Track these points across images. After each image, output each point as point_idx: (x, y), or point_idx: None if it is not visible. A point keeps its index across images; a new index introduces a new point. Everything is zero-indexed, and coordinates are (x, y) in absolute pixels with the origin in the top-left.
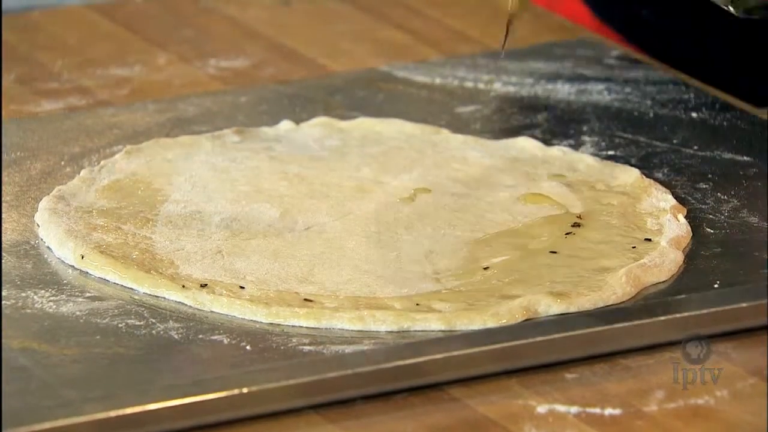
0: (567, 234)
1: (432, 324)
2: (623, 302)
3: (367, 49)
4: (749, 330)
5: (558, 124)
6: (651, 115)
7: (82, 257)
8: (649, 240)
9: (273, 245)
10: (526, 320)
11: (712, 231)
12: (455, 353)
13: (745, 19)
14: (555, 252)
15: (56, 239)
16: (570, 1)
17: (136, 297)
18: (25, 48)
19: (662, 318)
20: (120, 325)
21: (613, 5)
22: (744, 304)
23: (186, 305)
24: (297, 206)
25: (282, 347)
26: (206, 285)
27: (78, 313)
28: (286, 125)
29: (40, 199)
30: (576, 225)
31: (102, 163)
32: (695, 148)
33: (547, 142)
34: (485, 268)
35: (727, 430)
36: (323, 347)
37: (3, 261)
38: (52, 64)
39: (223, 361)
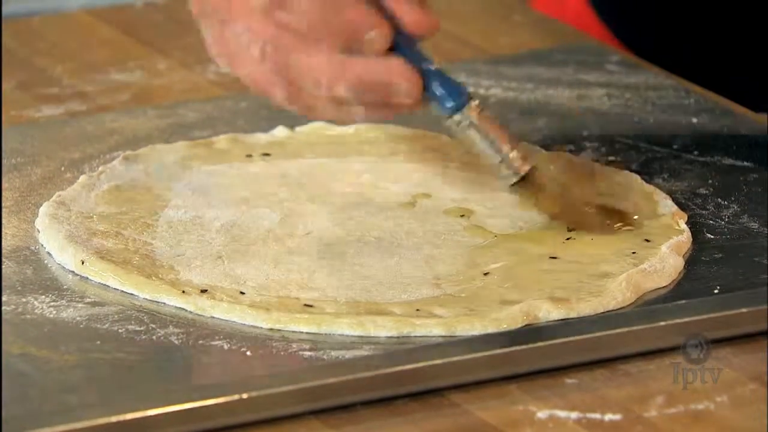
0: (567, 239)
1: (432, 329)
2: (623, 308)
3: None
4: (749, 335)
5: (558, 130)
6: (651, 120)
7: (83, 263)
8: (650, 245)
9: (273, 251)
10: (527, 326)
11: (712, 236)
12: (455, 359)
13: (743, 22)
14: (555, 257)
15: (56, 245)
16: (572, 4)
17: (137, 302)
18: (25, 53)
19: (662, 323)
20: (120, 331)
21: (615, 8)
22: (744, 310)
23: (186, 311)
24: (297, 212)
25: (282, 353)
26: (206, 290)
27: (78, 318)
28: (281, 131)
29: (41, 205)
30: (573, 229)
31: (102, 168)
32: (695, 153)
33: (547, 148)
34: (485, 274)
35: None
36: (323, 353)
37: (3, 266)
38: (52, 69)
39: (224, 367)
